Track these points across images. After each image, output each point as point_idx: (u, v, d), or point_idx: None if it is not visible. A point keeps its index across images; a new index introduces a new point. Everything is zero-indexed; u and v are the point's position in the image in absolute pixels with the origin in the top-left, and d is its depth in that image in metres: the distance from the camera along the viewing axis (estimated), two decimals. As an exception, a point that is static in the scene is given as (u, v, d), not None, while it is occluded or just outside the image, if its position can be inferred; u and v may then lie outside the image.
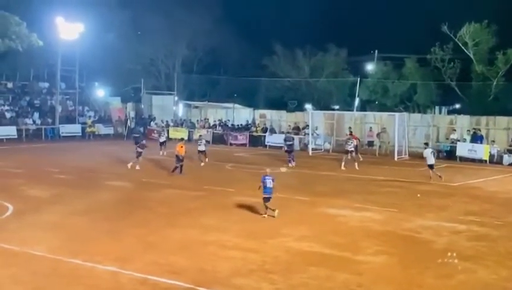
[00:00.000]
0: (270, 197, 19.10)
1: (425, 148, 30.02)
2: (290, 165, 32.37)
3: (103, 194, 22.98)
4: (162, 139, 36.95)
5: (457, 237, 17.22)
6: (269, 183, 19.12)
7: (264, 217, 18.98)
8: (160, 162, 31.27)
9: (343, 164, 32.04)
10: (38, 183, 25.03)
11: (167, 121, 50.42)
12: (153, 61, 60.87)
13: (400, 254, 15.23)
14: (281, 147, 41.45)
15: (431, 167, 28.48)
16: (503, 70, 43.16)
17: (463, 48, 44.52)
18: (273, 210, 19.02)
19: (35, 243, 15.22)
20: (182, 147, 27.82)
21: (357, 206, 21.28)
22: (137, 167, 29.63)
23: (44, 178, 26.72)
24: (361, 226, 18.29)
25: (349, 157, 32.40)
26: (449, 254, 15.04)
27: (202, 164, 31.41)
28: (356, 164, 32.10)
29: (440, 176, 28.19)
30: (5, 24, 44.18)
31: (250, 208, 19.57)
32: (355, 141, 33.96)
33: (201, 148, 32.05)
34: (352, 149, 32.78)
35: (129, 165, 29.75)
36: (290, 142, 34.13)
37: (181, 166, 27.66)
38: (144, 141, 31.12)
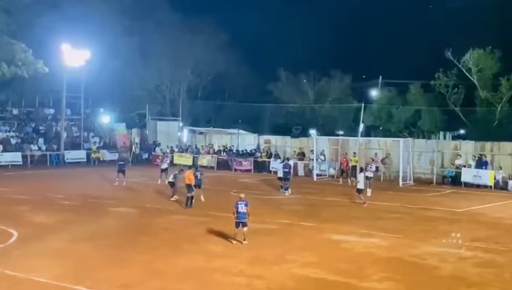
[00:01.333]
0: (241, 222, 18.92)
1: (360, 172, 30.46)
2: (286, 193, 31.86)
3: (108, 220, 23.01)
4: (164, 165, 36.01)
5: (463, 263, 17.14)
6: (241, 208, 18.93)
7: (233, 243, 18.90)
8: (163, 188, 31.15)
9: (369, 190, 31.35)
10: (43, 210, 25.03)
11: (172, 147, 50.49)
12: (158, 87, 61.17)
13: (406, 280, 15.16)
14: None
15: (360, 191, 28.47)
16: (507, 96, 43.22)
17: (467, 73, 44.64)
18: (244, 239, 18.88)
19: (39, 270, 15.19)
20: (189, 174, 26.62)
21: (362, 232, 21.21)
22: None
23: (49, 204, 26.73)
24: (366, 253, 18.22)
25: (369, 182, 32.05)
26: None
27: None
28: (369, 190, 31.49)
29: (364, 202, 28.17)
30: (12, 51, 44.52)
31: (255, 234, 19.50)
32: (373, 166, 34.07)
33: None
34: (371, 176, 32.59)
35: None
36: (287, 170, 32.90)
37: (191, 197, 26.16)
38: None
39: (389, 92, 51.46)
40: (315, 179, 40.31)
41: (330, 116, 55.91)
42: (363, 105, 48.00)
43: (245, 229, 18.93)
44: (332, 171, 42.56)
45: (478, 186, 36.53)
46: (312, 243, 19.55)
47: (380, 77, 55.53)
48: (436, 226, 23.13)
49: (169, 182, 29.01)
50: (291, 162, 43.01)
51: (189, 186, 26.28)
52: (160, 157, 45.74)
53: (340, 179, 39.58)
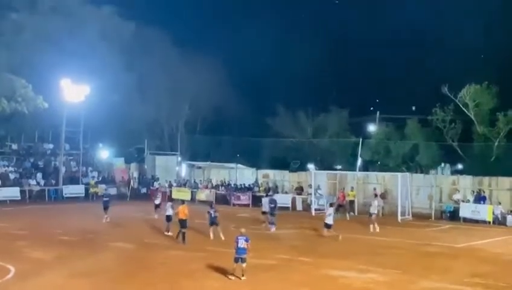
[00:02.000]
0: (240, 258, 18.76)
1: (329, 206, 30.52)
2: (272, 229, 31.01)
3: (106, 255, 22.95)
4: (158, 201, 36.03)
5: (463, 299, 17.10)
6: (241, 243, 18.82)
7: (231, 278, 18.78)
8: (160, 223, 30.92)
9: (373, 226, 31.36)
10: (41, 245, 24.97)
11: (170, 182, 50.57)
12: (156, 121, 61.41)
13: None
14: (285, 208, 41.42)
15: (328, 226, 28.49)
16: (504, 131, 43.34)
17: (464, 109, 44.88)
18: (242, 275, 18.76)
19: (37, 306, 15.14)
20: (184, 209, 26.51)
21: (361, 267, 21.15)
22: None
23: (47, 240, 26.66)
24: (365, 288, 18.18)
25: (372, 218, 31.84)
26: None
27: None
28: (373, 225, 31.48)
29: (337, 235, 28.12)
30: (12, 87, 44.84)
31: (253, 269, 19.44)
32: (376, 201, 33.68)
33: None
34: (375, 212, 32.26)
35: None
36: (273, 205, 31.92)
37: (183, 233, 25.96)
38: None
39: (387, 126, 51.64)
40: (313, 214, 40.20)
41: (328, 151, 56.02)
42: (360, 140, 48.17)
43: (244, 265, 18.82)
44: (330, 206, 42.45)
45: (477, 221, 36.48)
46: (310, 278, 19.49)
47: (378, 112, 55.82)
48: (435, 262, 23.08)
49: (166, 216, 29.02)
50: (288, 196, 43.34)
51: (182, 222, 26.11)
52: (159, 191, 46.00)
53: (338, 214, 39.15)
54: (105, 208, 33.91)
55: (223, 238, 26.48)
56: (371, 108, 57.11)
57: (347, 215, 38.58)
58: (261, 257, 21.61)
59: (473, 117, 44.90)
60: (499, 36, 52.76)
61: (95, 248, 24.50)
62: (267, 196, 36.02)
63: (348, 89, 62.91)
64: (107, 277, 18.91)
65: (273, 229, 31.15)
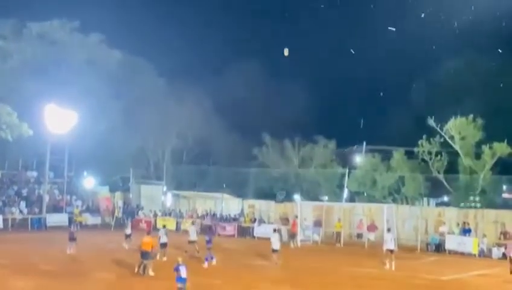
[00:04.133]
0: (182, 288, 19.20)
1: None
2: (213, 261, 28.59)
3: (89, 286, 22.59)
4: (128, 231, 35.38)
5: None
6: (183, 273, 19.26)
7: None
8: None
9: (392, 262, 29.78)
10: (22, 274, 24.58)
11: (155, 211, 50.21)
12: (142, 150, 61.05)
13: None
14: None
15: (275, 251, 28.90)
16: (490, 164, 43.37)
17: (450, 141, 44.94)
18: None
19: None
20: (149, 241, 25.21)
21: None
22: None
23: (29, 269, 26.22)
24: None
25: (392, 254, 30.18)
26: None
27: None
28: (390, 262, 30.02)
29: (276, 263, 28.47)
30: (-3, 114, 44.62)
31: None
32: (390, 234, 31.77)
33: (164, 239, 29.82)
34: (393, 248, 30.63)
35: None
36: (208, 239, 29.71)
37: (145, 265, 24.78)
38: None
39: (373, 158, 51.53)
40: (299, 245, 39.96)
41: (314, 182, 55.80)
42: (347, 171, 48.16)
43: None
44: (316, 237, 42.38)
45: (462, 253, 36.40)
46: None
47: (364, 142, 55.89)
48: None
49: (161, 243, 29.21)
50: (274, 227, 43.04)
51: (144, 254, 24.96)
52: (143, 221, 45.60)
53: (291, 243, 39.04)
54: (71, 239, 32.15)
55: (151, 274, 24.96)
56: (358, 139, 57.28)
57: (338, 245, 39.85)
58: (252, 286, 21.38)
59: (458, 150, 44.94)
60: (483, 69, 53.33)
61: (78, 278, 24.11)
62: (193, 224, 36.11)
63: (335, 119, 63.28)
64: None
65: (207, 262, 28.55)
